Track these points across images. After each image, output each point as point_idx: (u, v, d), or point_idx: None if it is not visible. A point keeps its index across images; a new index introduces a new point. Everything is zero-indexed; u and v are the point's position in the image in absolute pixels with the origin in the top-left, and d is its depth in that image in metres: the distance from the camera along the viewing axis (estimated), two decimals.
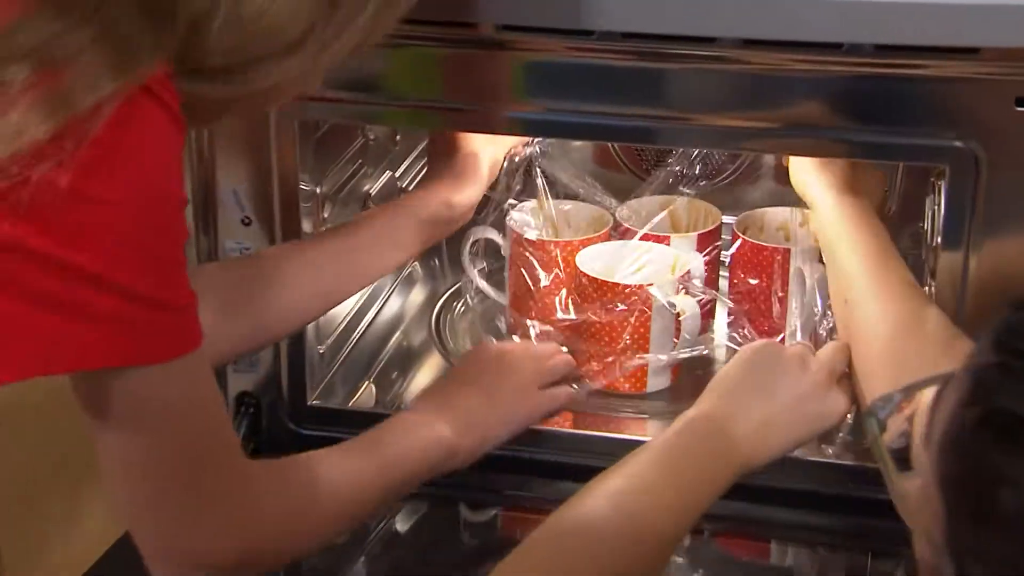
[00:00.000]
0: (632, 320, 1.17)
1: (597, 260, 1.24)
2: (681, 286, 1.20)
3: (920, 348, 0.96)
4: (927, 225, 1.27)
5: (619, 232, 1.30)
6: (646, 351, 1.19)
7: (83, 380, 0.74)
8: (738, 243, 1.27)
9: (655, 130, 1.05)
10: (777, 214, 1.30)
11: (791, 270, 1.20)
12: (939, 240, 1.03)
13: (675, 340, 1.20)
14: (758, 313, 1.25)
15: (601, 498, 0.86)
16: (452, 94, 1.05)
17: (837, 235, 1.09)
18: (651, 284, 1.18)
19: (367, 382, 1.27)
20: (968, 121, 0.96)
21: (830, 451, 1.09)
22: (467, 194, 1.22)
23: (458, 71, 1.04)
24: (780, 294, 1.22)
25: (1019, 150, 0.96)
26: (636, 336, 1.18)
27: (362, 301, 1.33)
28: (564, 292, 1.24)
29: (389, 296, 1.40)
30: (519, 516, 1.15)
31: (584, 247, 1.25)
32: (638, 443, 1.08)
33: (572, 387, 1.15)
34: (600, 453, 1.10)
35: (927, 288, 1.16)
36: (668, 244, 1.27)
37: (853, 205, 1.11)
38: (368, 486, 0.92)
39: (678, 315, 1.18)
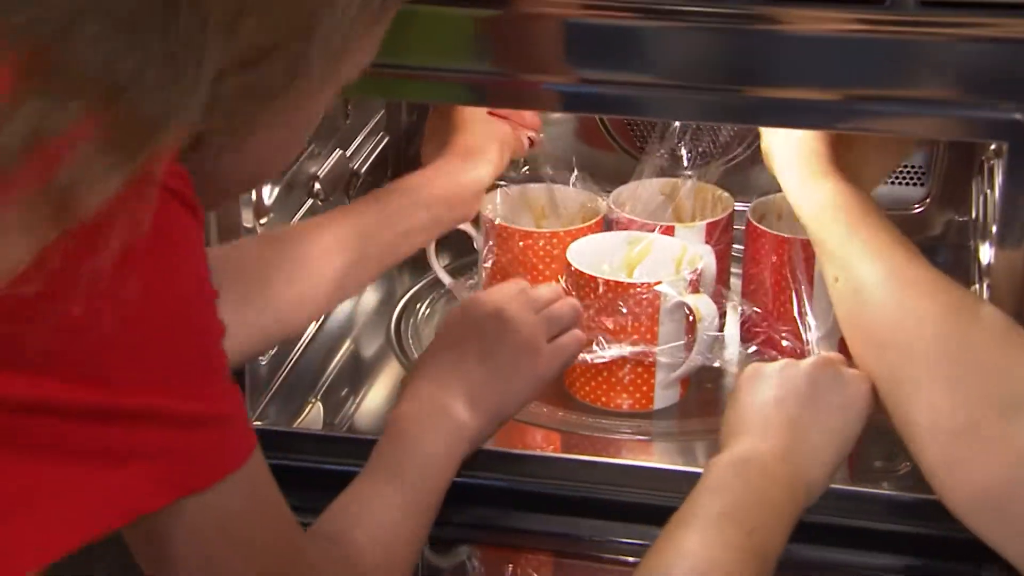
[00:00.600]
0: (637, 325, 1.17)
1: (590, 254, 1.23)
2: (690, 284, 1.19)
3: (979, 341, 0.97)
4: (976, 213, 1.28)
5: (613, 221, 1.30)
6: (653, 362, 1.19)
7: (149, 527, 0.76)
8: (752, 233, 1.28)
9: (658, 100, 1.05)
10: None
11: (816, 265, 1.21)
12: (994, 231, 1.04)
13: (685, 348, 1.20)
14: (776, 316, 1.25)
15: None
16: (466, 60, 1.05)
17: (837, 228, 1.08)
18: (659, 282, 1.17)
19: (313, 400, 1.27)
20: None
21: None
22: (477, 173, 1.25)
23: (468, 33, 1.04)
24: (802, 293, 1.22)
25: None
26: (642, 344, 1.18)
27: None
28: None
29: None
30: (497, 554, 1.14)
31: (574, 239, 1.24)
32: (640, 469, 1.10)
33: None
34: (594, 482, 1.10)
35: (975, 287, 1.17)
36: (672, 235, 1.27)
37: (852, 192, 1.10)
38: (413, 531, 0.98)
39: (690, 318, 1.18)
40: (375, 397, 1.28)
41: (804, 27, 0.98)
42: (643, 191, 1.34)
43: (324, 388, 1.29)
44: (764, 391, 1.02)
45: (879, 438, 1.06)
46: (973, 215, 1.38)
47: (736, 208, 1.32)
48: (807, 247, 1.21)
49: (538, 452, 1.18)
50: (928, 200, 1.48)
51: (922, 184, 1.48)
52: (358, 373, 1.32)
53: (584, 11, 1.01)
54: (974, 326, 0.98)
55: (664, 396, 1.21)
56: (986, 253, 1.09)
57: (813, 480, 0.98)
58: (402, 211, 1.20)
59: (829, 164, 1.13)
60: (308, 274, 1.12)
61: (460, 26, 1.04)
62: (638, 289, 1.17)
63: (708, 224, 1.28)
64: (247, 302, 1.06)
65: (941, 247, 1.46)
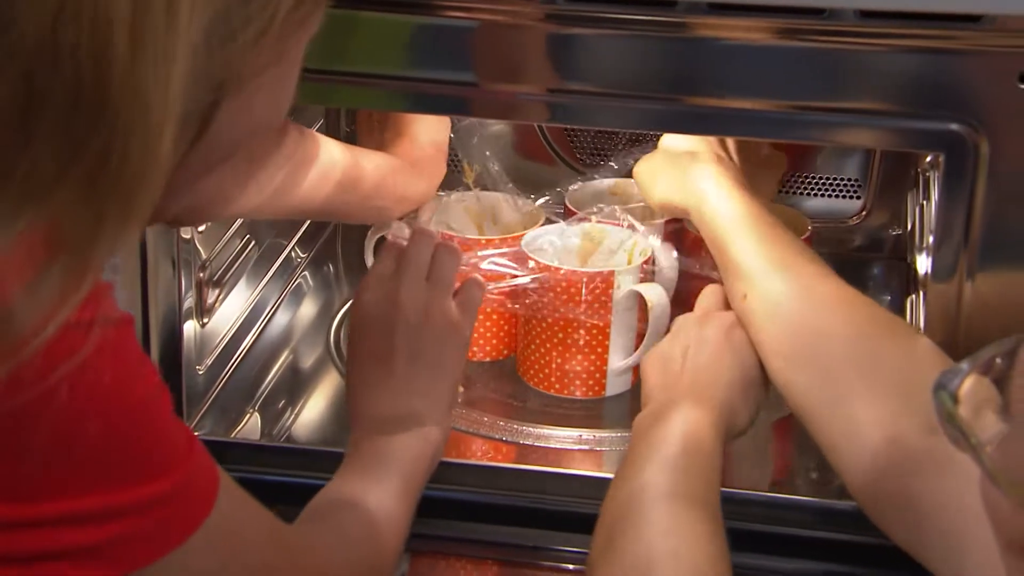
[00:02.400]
0: (591, 312, 1.19)
1: (545, 245, 1.24)
2: (642, 273, 1.21)
3: (895, 357, 0.97)
4: (911, 224, 1.29)
5: (570, 220, 1.31)
6: (605, 349, 1.20)
7: None
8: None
9: (595, 109, 1.04)
10: None
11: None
12: (931, 241, 1.04)
13: (636, 337, 1.21)
14: None
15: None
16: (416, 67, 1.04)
17: (746, 243, 1.07)
18: (612, 271, 1.19)
19: (251, 411, 1.26)
20: (967, 101, 0.97)
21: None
22: (427, 186, 1.27)
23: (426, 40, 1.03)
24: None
25: (1023, 133, 0.97)
26: (594, 331, 1.19)
27: (243, 318, 1.32)
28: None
29: (275, 312, 1.38)
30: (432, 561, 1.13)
31: (511, 245, 1.24)
32: (585, 479, 1.09)
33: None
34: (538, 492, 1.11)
35: (911, 298, 1.18)
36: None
37: (758, 206, 1.10)
38: (401, 516, 0.98)
39: (641, 307, 1.19)
40: (314, 407, 1.27)
41: (743, 36, 0.98)
42: (592, 190, 1.36)
43: (262, 399, 1.28)
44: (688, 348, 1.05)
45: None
46: (909, 227, 1.38)
47: None
48: None
49: (481, 462, 1.17)
50: (864, 213, 1.48)
51: (858, 197, 1.48)
52: (296, 384, 1.31)
53: (520, 19, 1.00)
54: (889, 342, 0.99)
55: (616, 383, 1.23)
56: (923, 263, 1.09)
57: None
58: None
59: (734, 177, 1.12)
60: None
61: (396, 32, 1.03)
62: (592, 277, 1.18)
63: (666, 222, 1.29)
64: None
65: (878, 260, 1.48)
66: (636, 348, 1.22)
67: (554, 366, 1.22)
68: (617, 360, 1.22)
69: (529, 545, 1.11)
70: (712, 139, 1.18)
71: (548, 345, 1.22)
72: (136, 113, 0.58)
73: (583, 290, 1.18)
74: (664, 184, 1.18)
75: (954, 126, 0.97)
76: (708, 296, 1.13)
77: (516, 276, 1.19)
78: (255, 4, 0.63)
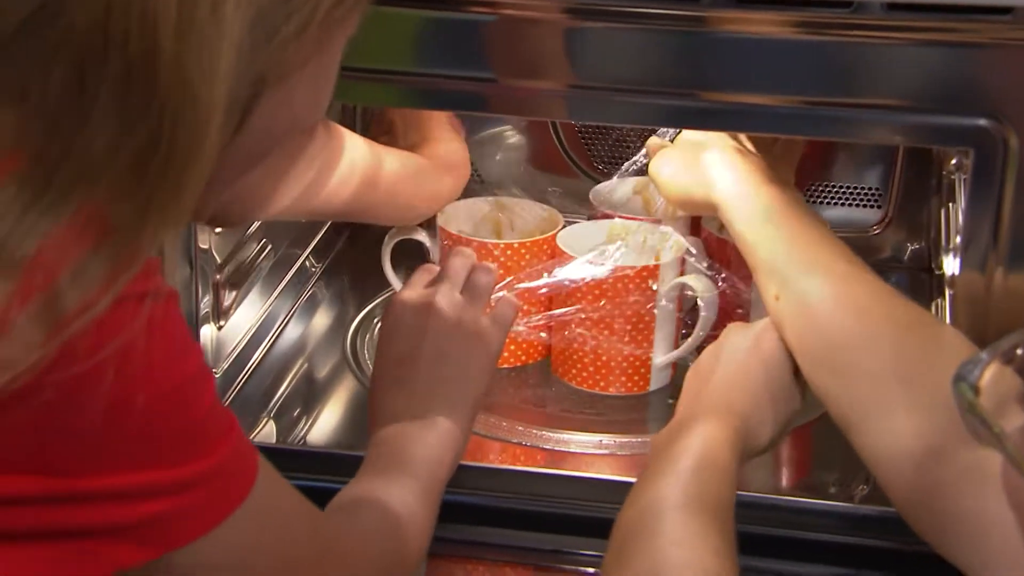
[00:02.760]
0: (636, 307, 1.19)
1: (577, 242, 1.25)
2: (681, 266, 1.22)
3: (940, 364, 0.94)
4: (935, 231, 1.27)
5: (597, 217, 1.31)
6: (650, 344, 1.21)
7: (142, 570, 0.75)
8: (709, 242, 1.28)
9: (609, 105, 1.02)
10: None
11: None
12: (958, 241, 1.02)
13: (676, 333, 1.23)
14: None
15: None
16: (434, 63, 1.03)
17: (769, 232, 1.05)
18: (657, 264, 1.19)
19: (266, 418, 1.24)
20: (996, 96, 0.95)
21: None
22: (453, 187, 1.28)
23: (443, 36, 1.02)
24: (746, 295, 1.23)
25: None
26: (640, 327, 1.20)
27: (256, 328, 1.31)
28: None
29: (287, 322, 1.38)
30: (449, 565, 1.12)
31: (529, 251, 1.24)
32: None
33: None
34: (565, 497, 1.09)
35: (935, 303, 1.16)
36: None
37: (790, 198, 1.07)
38: (425, 518, 0.98)
39: (681, 301, 1.21)
40: (329, 415, 1.26)
41: (768, 31, 0.97)
42: (617, 189, 1.36)
43: (277, 406, 1.26)
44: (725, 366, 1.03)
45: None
46: (933, 233, 1.37)
47: None
48: None
49: (496, 465, 1.16)
50: (885, 222, 1.47)
51: (879, 206, 1.47)
52: (312, 391, 1.30)
53: (538, 13, 0.99)
54: (933, 346, 0.96)
55: (659, 378, 1.24)
56: (950, 266, 1.07)
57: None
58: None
59: (756, 164, 1.10)
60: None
61: (412, 27, 1.01)
62: (637, 272, 1.19)
63: (695, 218, 1.29)
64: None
65: (898, 271, 1.46)
66: (676, 341, 1.23)
67: (599, 363, 1.22)
68: (661, 354, 1.23)
69: (547, 549, 1.10)
70: (726, 135, 1.15)
71: (592, 343, 1.22)
72: (183, 102, 0.61)
73: (630, 285, 1.19)
74: (682, 177, 1.15)
75: (983, 121, 0.96)
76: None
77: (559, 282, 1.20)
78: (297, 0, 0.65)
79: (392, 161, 1.22)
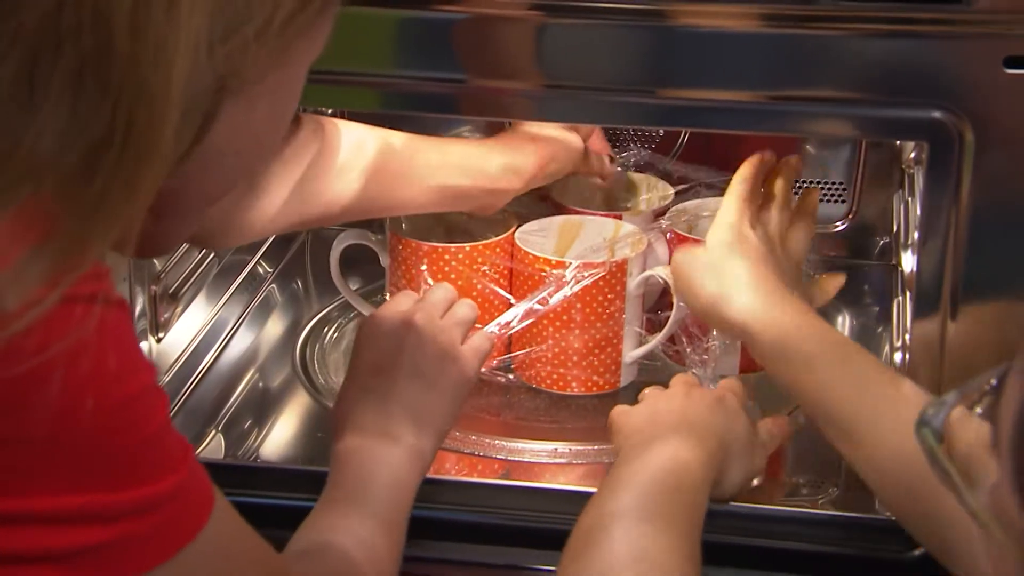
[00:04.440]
0: (606, 303, 1.19)
1: (533, 241, 1.24)
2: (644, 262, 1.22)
3: None
4: (897, 224, 1.26)
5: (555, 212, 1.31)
6: (620, 340, 1.20)
7: None
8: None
9: (557, 103, 1.01)
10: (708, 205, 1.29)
11: None
12: (916, 236, 1.01)
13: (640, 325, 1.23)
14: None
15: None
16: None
17: (816, 373, 0.99)
18: (625, 259, 1.19)
19: (214, 431, 1.22)
20: (950, 88, 0.94)
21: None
22: (498, 162, 1.22)
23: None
24: None
25: (1010, 122, 0.94)
26: (610, 323, 1.20)
27: (203, 335, 1.28)
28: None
29: (238, 327, 1.35)
30: None
31: (480, 254, 1.23)
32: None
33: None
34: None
35: (897, 300, 1.14)
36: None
37: (811, 317, 1.02)
38: (389, 551, 0.96)
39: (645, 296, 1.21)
40: (284, 426, 1.24)
41: (718, 24, 0.95)
42: (580, 182, 1.35)
43: (226, 419, 1.24)
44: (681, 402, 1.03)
45: None
46: (895, 228, 1.35)
47: None
48: None
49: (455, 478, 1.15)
50: (850, 217, 1.45)
51: (843, 201, 1.45)
52: (263, 403, 1.27)
53: (487, 8, 0.98)
54: None
55: (628, 372, 1.24)
56: (908, 262, 1.06)
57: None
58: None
59: (779, 284, 1.04)
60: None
61: (378, 27, 1.00)
62: (608, 266, 1.18)
63: (655, 211, 1.29)
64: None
65: (866, 266, 1.44)
66: (641, 338, 1.23)
67: (570, 363, 1.22)
68: (630, 349, 1.22)
69: (500, 564, 1.08)
70: (746, 210, 1.08)
71: (563, 344, 1.21)
72: (138, 99, 0.60)
73: (599, 282, 1.18)
74: (709, 288, 1.06)
75: (937, 114, 0.95)
76: (683, 376, 1.11)
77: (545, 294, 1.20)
78: (256, 0, 0.65)
79: (400, 138, 1.19)
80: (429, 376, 1.03)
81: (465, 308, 1.09)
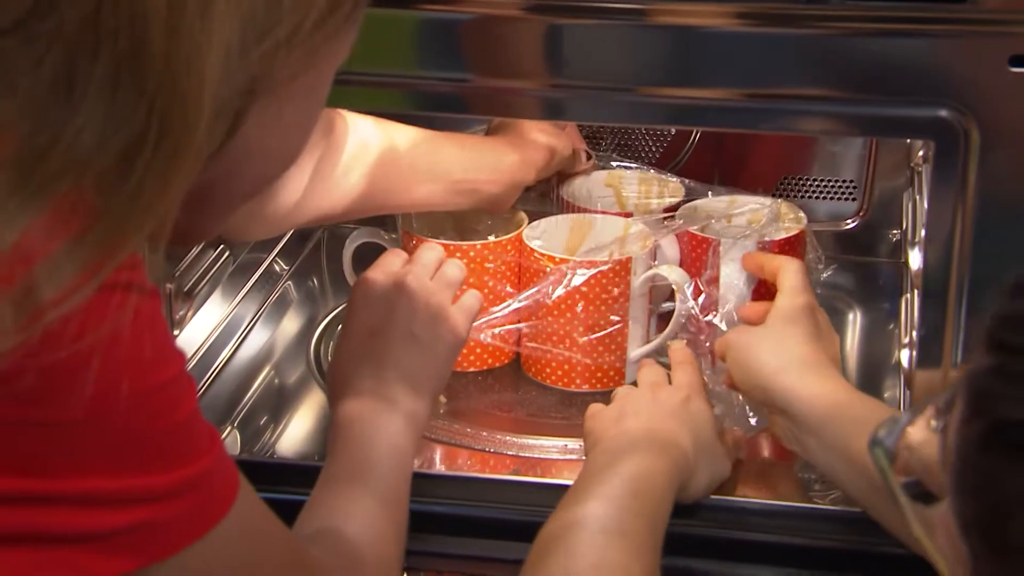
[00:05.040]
0: (611, 302, 1.19)
1: (542, 239, 1.24)
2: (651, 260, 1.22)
3: None
4: (906, 222, 1.26)
5: (564, 211, 1.31)
6: (624, 338, 1.21)
7: None
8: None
9: (566, 102, 1.02)
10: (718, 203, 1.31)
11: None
12: (923, 234, 1.01)
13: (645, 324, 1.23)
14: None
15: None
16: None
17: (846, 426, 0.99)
18: (629, 257, 1.19)
19: (230, 427, 1.23)
20: (955, 86, 0.94)
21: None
22: (518, 161, 1.23)
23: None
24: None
25: (1016, 120, 0.94)
26: (614, 321, 1.20)
27: (220, 332, 1.29)
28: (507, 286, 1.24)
29: (254, 324, 1.36)
30: None
31: (492, 252, 1.23)
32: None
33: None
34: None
35: (906, 297, 1.14)
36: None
37: (848, 392, 1.03)
38: (396, 525, 0.97)
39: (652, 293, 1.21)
40: (300, 423, 1.25)
41: (722, 23, 0.96)
42: (590, 182, 1.36)
43: (242, 415, 1.25)
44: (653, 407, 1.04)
45: None
46: (904, 225, 1.35)
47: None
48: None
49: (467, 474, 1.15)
50: (862, 214, 1.45)
51: (855, 198, 1.45)
52: (279, 400, 1.28)
53: (481, 9, 0.98)
54: None
55: (632, 371, 1.23)
56: (916, 260, 1.06)
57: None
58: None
59: (820, 363, 1.05)
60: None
61: (385, 27, 1.00)
62: (612, 265, 1.18)
63: (666, 210, 1.29)
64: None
65: (877, 263, 1.44)
66: (648, 334, 1.23)
67: (573, 360, 1.22)
68: (635, 347, 1.23)
69: (511, 559, 1.06)
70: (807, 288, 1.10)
71: (568, 340, 1.21)
72: (172, 100, 0.62)
73: (603, 280, 1.19)
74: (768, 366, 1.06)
75: (943, 112, 0.95)
76: (649, 372, 1.11)
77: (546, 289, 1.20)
78: (287, 5, 0.66)
79: (408, 132, 1.20)
80: (422, 339, 1.05)
81: (454, 268, 1.11)
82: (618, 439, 1.01)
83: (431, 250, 1.12)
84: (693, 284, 1.20)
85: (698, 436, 1.03)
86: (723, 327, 1.17)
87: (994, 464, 0.54)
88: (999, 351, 0.55)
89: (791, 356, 1.04)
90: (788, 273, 1.10)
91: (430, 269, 1.09)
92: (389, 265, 1.09)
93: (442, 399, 1.20)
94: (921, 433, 0.60)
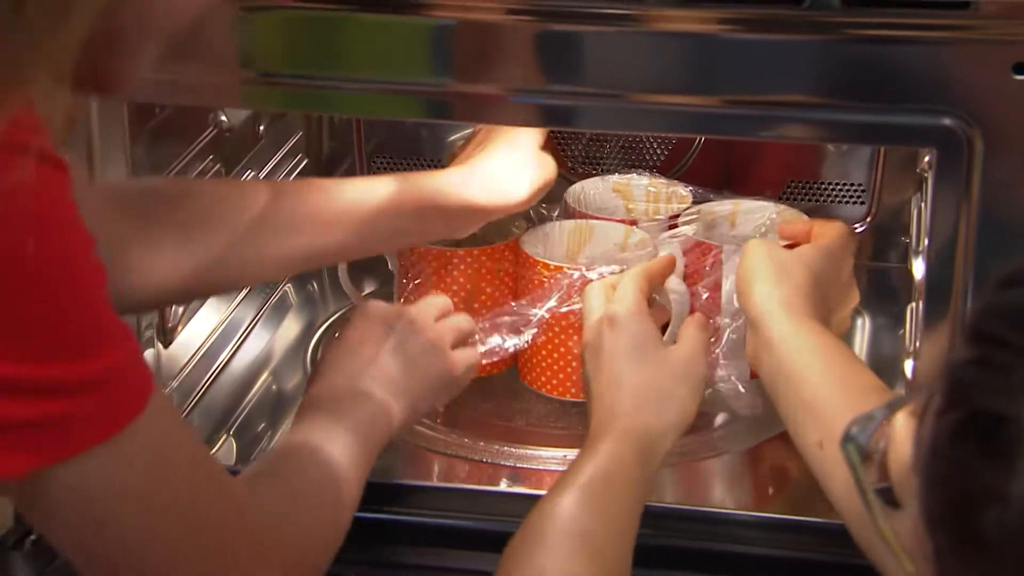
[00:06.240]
0: None
1: (541, 246, 1.24)
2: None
3: None
4: (913, 229, 1.25)
5: (570, 217, 1.30)
6: None
7: (24, 486, 0.71)
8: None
9: (576, 110, 1.02)
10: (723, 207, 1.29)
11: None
12: (925, 243, 1.00)
13: None
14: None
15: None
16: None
17: (816, 374, 1.00)
18: (623, 269, 1.17)
19: (225, 435, 1.22)
20: (958, 94, 0.93)
21: None
22: (527, 180, 1.18)
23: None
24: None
25: (1019, 128, 0.94)
26: None
27: (216, 337, 1.29)
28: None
29: (252, 328, 1.35)
30: None
31: (489, 257, 1.23)
32: None
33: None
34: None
35: (911, 306, 1.13)
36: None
37: (826, 333, 1.03)
38: (358, 477, 0.96)
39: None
40: None
41: (722, 29, 0.96)
42: (597, 188, 1.35)
43: (238, 422, 1.24)
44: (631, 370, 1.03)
45: None
46: (912, 232, 1.35)
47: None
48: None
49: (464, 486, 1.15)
50: (869, 219, 1.44)
51: (863, 203, 1.44)
52: (277, 406, 1.28)
53: (471, 14, 0.98)
54: None
55: None
56: (919, 269, 1.05)
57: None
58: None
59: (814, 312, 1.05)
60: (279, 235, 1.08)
61: (370, 32, 1.00)
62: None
63: (671, 217, 1.27)
64: (188, 240, 1.02)
65: (886, 268, 1.44)
66: None
67: (569, 370, 1.21)
68: None
69: None
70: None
71: (563, 349, 1.21)
72: None
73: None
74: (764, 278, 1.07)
75: (946, 120, 0.94)
76: (594, 296, 1.09)
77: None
78: None
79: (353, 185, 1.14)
80: (412, 357, 1.06)
81: (461, 318, 1.11)
82: (592, 421, 1.02)
83: (439, 297, 1.13)
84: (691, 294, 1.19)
85: (644, 373, 1.03)
86: (726, 334, 1.16)
87: (967, 455, 0.53)
88: (980, 342, 0.55)
89: (786, 287, 1.05)
90: (830, 228, 1.13)
91: (435, 310, 1.10)
92: (395, 306, 1.10)
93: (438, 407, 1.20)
94: (896, 430, 0.60)
